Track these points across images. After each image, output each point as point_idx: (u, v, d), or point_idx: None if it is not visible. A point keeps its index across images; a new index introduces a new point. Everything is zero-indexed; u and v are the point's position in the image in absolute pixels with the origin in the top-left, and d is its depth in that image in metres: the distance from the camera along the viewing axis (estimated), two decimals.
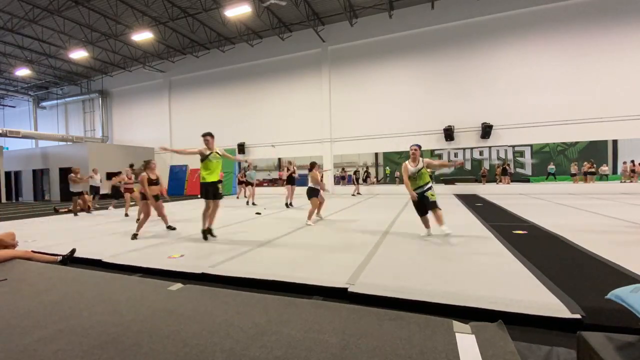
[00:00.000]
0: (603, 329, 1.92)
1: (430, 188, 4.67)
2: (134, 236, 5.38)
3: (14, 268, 3.80)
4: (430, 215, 4.75)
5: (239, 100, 18.28)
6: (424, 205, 4.68)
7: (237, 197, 13.59)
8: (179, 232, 5.89)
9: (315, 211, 6.80)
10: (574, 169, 15.30)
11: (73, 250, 4.27)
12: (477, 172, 19.13)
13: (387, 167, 22.08)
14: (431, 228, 4.78)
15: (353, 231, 5.67)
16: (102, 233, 6.16)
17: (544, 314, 2.19)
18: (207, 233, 5.09)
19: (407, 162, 4.77)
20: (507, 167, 15.87)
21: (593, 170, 14.33)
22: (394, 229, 5.67)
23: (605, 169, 16.12)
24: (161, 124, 20.59)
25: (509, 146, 20.49)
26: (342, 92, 15.96)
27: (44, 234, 6.27)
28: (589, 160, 15.29)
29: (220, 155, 5.25)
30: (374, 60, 15.38)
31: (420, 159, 4.72)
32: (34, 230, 6.70)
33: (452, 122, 13.94)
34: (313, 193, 6.64)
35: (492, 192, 13.73)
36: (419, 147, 4.73)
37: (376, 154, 23.83)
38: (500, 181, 15.66)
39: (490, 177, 17.60)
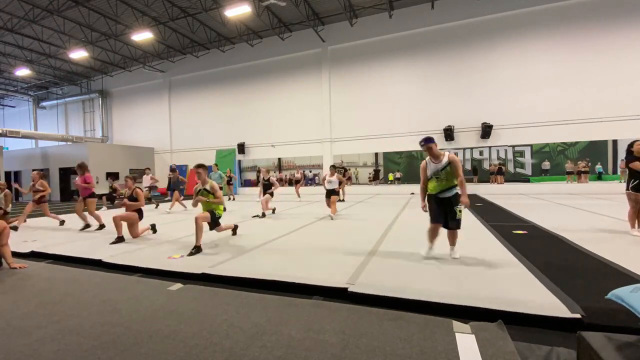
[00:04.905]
0: (603, 329, 1.92)
1: (458, 197, 3.61)
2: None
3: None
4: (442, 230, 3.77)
5: (239, 100, 18.28)
6: (444, 214, 3.65)
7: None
8: (178, 232, 5.88)
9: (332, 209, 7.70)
10: (569, 167, 15.29)
11: None
12: (477, 172, 19.05)
13: (390, 174, 21.95)
14: (434, 246, 3.76)
15: (353, 231, 5.67)
16: (102, 233, 6.16)
17: (544, 314, 2.19)
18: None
19: (426, 159, 3.73)
20: (501, 167, 15.93)
21: (587, 169, 14.27)
22: (394, 229, 5.67)
23: (582, 166, 15.29)
24: (161, 124, 20.59)
25: (509, 146, 20.50)
26: (342, 92, 15.95)
27: (44, 233, 6.27)
28: (584, 159, 15.18)
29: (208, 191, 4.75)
30: (374, 60, 15.38)
31: (446, 153, 3.61)
32: (35, 230, 6.69)
33: (452, 122, 13.93)
34: (334, 192, 7.76)
35: (492, 192, 13.73)
36: (430, 141, 3.59)
37: (376, 154, 23.85)
38: (494, 181, 15.67)
39: (485, 177, 17.64)
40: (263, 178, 8.59)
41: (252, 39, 17.04)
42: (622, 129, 11.97)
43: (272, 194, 8.39)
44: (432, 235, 3.73)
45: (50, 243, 5.21)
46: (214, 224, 4.80)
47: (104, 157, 17.51)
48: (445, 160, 3.57)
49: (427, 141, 3.59)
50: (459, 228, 3.68)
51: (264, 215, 8.12)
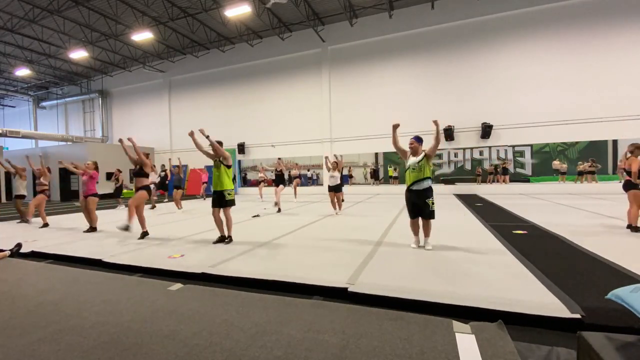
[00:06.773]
0: (603, 329, 1.92)
1: (430, 191, 4.15)
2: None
3: (14, 268, 3.80)
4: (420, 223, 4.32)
5: (239, 100, 18.28)
6: (419, 207, 4.21)
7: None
8: (179, 232, 5.88)
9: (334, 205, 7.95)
10: (580, 167, 15.02)
11: (19, 245, 4.67)
12: (477, 172, 19.04)
13: (390, 169, 21.87)
14: (419, 238, 4.32)
15: (353, 231, 5.67)
16: (102, 234, 6.16)
17: (544, 314, 2.19)
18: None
19: (408, 152, 4.41)
20: (506, 167, 15.91)
21: (593, 169, 14.13)
22: (394, 229, 5.67)
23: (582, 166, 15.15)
24: (161, 124, 20.59)
25: (509, 146, 20.49)
26: (342, 92, 15.95)
27: (43, 233, 6.27)
28: (588, 159, 15.07)
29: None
30: (373, 60, 15.38)
31: (423, 151, 4.28)
32: (34, 230, 6.69)
33: (452, 122, 13.93)
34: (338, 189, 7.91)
35: (492, 192, 13.73)
36: (417, 139, 4.26)
37: (376, 154, 23.82)
38: (497, 181, 15.67)
39: (484, 177, 17.62)
40: (276, 169, 8.79)
41: (252, 39, 17.04)
42: (622, 129, 11.97)
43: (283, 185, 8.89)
44: (414, 228, 4.35)
45: (50, 243, 5.22)
46: (224, 203, 4.93)
47: (103, 157, 17.47)
48: (421, 156, 4.22)
49: (417, 139, 4.30)
50: (433, 218, 4.16)
51: (279, 210, 8.65)
